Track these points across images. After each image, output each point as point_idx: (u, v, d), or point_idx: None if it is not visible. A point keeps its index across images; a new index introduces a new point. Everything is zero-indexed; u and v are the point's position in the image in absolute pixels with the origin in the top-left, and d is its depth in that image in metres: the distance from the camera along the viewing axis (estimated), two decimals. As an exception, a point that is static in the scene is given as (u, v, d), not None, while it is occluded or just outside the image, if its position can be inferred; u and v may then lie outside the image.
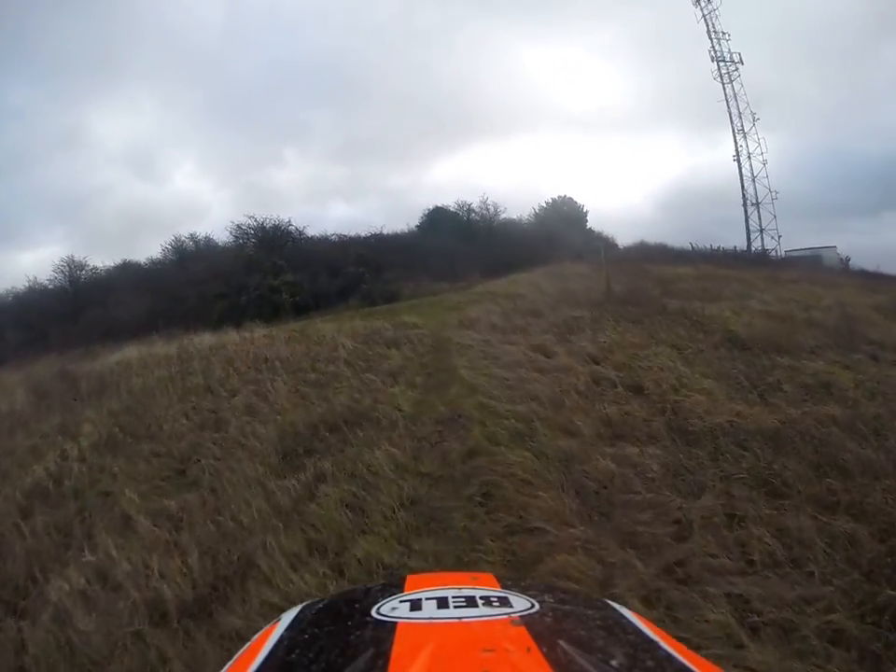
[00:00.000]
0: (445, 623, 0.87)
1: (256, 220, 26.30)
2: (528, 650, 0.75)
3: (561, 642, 0.79)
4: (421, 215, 28.84)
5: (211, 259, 24.85)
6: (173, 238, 28.96)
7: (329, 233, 28.79)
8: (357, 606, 0.98)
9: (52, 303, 23.89)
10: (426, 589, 1.02)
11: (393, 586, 1.06)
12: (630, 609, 0.97)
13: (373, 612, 0.93)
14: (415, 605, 0.94)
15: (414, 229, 27.81)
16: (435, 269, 21.82)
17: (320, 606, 1.06)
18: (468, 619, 0.87)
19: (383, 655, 0.75)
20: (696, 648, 1.60)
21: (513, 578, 1.18)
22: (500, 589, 1.01)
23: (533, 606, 0.92)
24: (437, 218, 28.71)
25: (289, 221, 26.71)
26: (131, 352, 12.39)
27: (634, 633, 0.88)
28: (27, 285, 24.71)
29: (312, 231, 27.81)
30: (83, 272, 25.75)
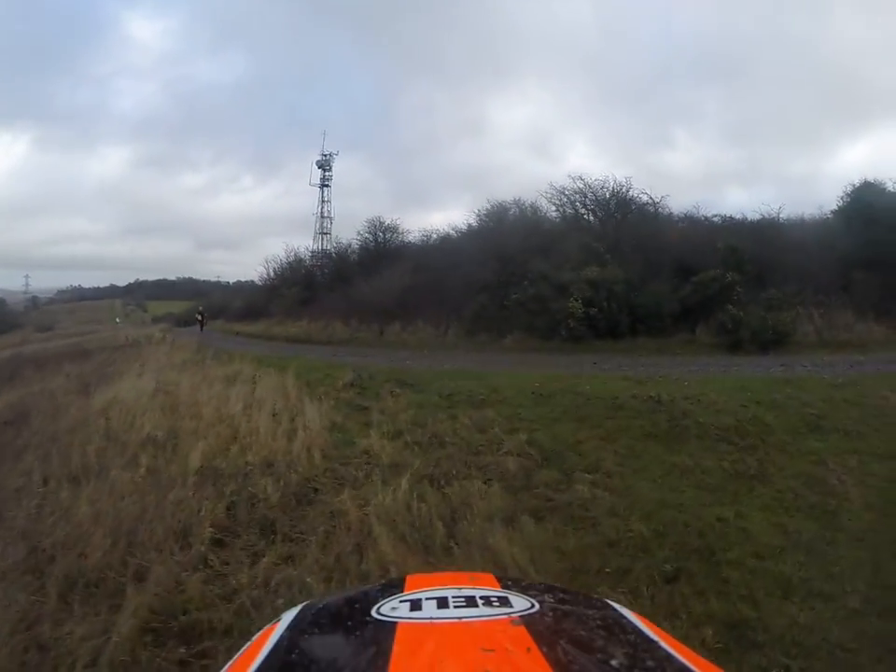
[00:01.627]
0: (445, 622, 0.89)
1: (585, 183, 21.15)
2: (528, 650, 0.78)
3: (561, 642, 0.82)
4: (840, 197, 19.94)
5: (517, 231, 20.74)
6: (491, 202, 24.35)
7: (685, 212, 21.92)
8: (357, 606, 1.02)
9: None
10: (426, 589, 1.05)
11: (393, 586, 1.10)
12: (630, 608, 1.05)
13: (373, 612, 0.95)
14: (415, 605, 0.97)
15: (828, 215, 20.15)
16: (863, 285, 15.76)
17: (320, 606, 1.10)
18: (468, 619, 0.89)
19: (383, 655, 0.78)
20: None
21: (513, 578, 1.27)
22: (500, 589, 1.05)
23: (533, 606, 0.96)
24: (866, 199, 18.85)
25: (636, 190, 20.93)
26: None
27: (634, 633, 0.91)
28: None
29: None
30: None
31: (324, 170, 43.67)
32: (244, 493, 5.24)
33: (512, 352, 15.84)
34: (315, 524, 4.71)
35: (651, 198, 20.88)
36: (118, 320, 64.47)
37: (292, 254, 35.17)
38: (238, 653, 0.94)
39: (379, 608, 0.96)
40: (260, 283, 37.76)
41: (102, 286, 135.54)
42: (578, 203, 21.68)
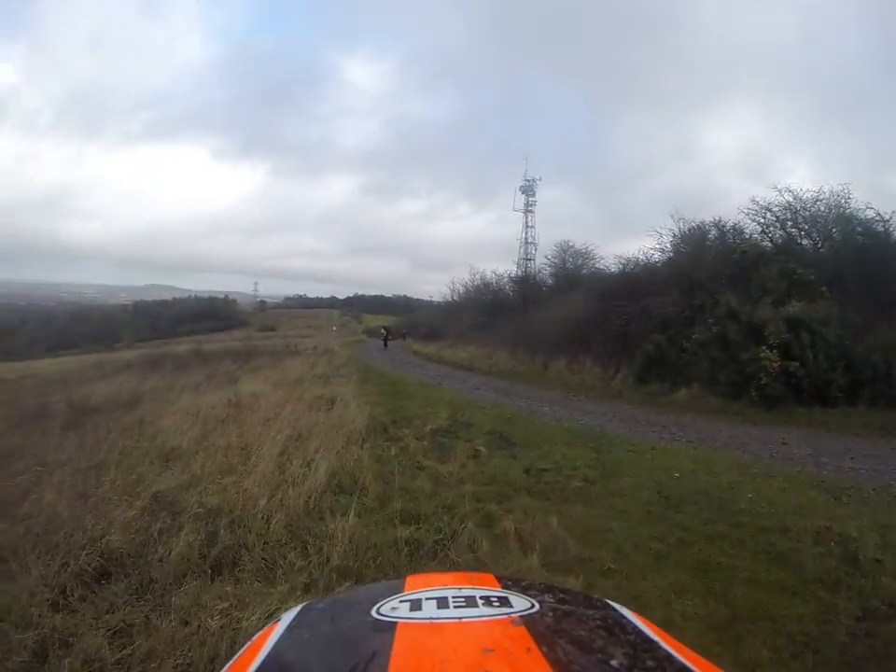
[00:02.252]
0: (445, 622, 0.89)
1: (795, 196, 17.14)
2: (528, 650, 0.79)
3: (561, 642, 0.83)
4: None
5: (711, 257, 17.61)
6: (688, 224, 20.45)
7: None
8: (356, 606, 1.03)
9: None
10: (426, 589, 1.06)
11: (393, 586, 1.10)
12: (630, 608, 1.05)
13: (373, 612, 0.96)
14: (415, 605, 0.98)
15: None
16: None
17: (320, 606, 1.12)
18: (468, 619, 0.90)
19: (383, 655, 0.78)
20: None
21: (513, 578, 1.20)
22: (500, 589, 1.06)
23: (533, 606, 0.96)
24: None
25: (858, 203, 16.42)
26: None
27: (634, 633, 0.92)
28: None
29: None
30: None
31: (527, 195, 44.57)
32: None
33: (683, 411, 12.91)
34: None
35: (878, 214, 15.77)
36: (334, 328, 71.92)
37: (477, 276, 35.22)
38: (238, 653, 0.95)
39: (379, 607, 0.96)
40: (444, 304, 38.46)
41: (324, 296, 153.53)
42: (788, 222, 17.52)
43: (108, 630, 3.26)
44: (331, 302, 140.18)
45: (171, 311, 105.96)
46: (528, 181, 43.61)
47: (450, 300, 38.25)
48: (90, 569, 3.94)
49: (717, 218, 19.58)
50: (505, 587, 1.05)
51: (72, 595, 3.62)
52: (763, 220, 18.29)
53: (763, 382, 12.49)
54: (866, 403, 12.01)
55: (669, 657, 0.81)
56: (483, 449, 8.17)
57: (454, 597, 0.97)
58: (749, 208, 18.31)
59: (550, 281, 29.47)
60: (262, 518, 4.98)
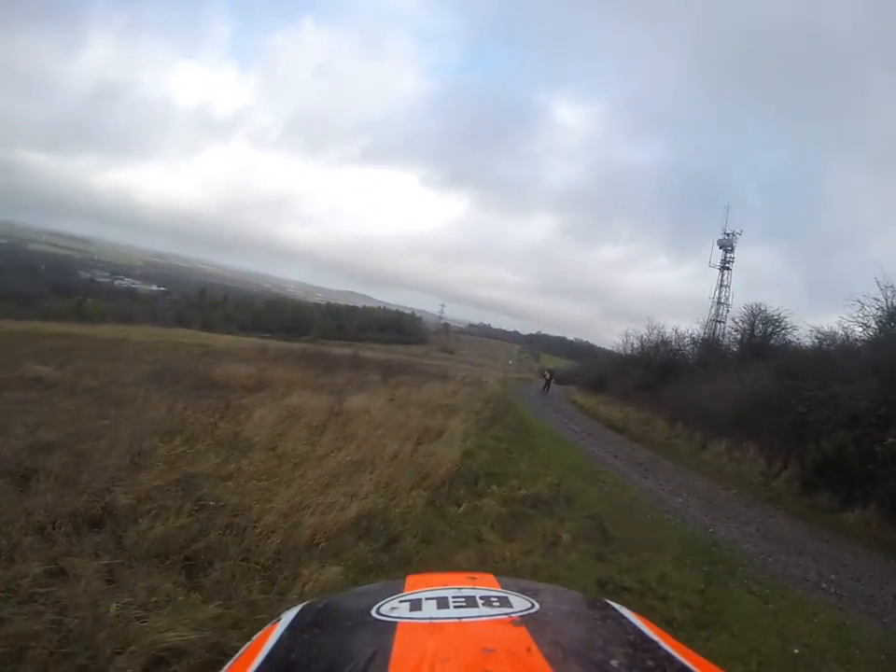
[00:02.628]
0: (445, 623, 0.91)
1: None
2: (528, 650, 0.79)
3: (561, 642, 0.83)
4: None
5: None
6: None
7: None
8: (357, 606, 1.03)
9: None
10: (426, 589, 1.08)
11: (393, 586, 1.12)
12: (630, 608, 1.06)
13: (373, 612, 0.97)
14: (415, 605, 0.99)
15: None
16: None
17: (320, 606, 1.12)
18: (468, 619, 0.92)
19: (383, 655, 0.80)
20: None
21: (513, 578, 1.21)
22: (500, 589, 1.07)
23: (533, 606, 0.97)
24: None
25: None
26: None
27: (634, 633, 0.93)
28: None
29: None
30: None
31: (725, 250, 41.36)
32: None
33: (848, 539, 10.06)
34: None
35: None
36: (510, 361, 73.00)
37: (655, 332, 32.31)
38: (238, 653, 0.95)
39: (379, 607, 0.98)
40: (615, 356, 36.19)
41: (507, 329, 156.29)
42: None
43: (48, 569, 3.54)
44: (514, 336, 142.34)
45: (359, 317, 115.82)
46: (727, 235, 40.16)
47: (622, 352, 35.75)
48: (85, 515, 4.31)
49: None
50: (505, 587, 1.08)
51: (59, 528, 4.03)
52: None
53: None
54: None
55: (669, 657, 0.84)
56: (567, 536, 6.77)
57: (454, 597, 0.99)
58: None
59: (734, 349, 26.25)
60: (260, 533, 4.79)
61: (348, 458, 7.49)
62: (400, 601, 0.99)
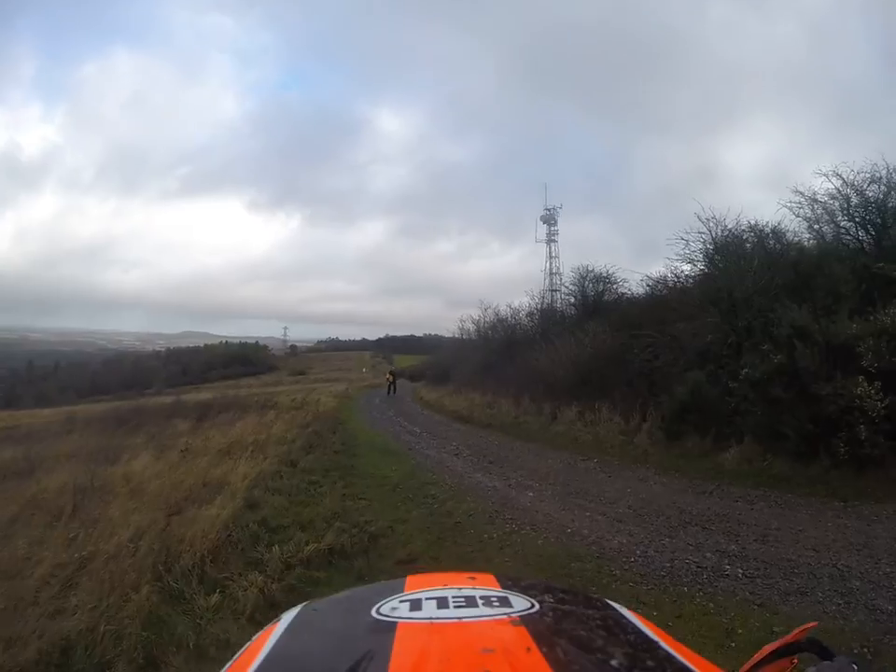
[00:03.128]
0: (445, 622, 0.89)
1: (844, 181, 13.06)
2: (528, 650, 0.79)
3: (561, 642, 0.83)
4: None
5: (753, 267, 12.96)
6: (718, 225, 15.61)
7: None
8: (356, 606, 1.04)
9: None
10: (426, 589, 1.06)
11: (393, 586, 1.11)
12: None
13: (373, 612, 0.96)
14: (415, 605, 0.98)
15: None
16: None
17: (320, 606, 1.12)
18: (468, 619, 0.90)
19: (383, 655, 0.79)
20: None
21: (513, 578, 1.19)
22: (500, 589, 1.06)
23: (533, 606, 0.96)
24: None
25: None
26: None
27: (634, 633, 0.93)
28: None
29: None
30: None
31: (549, 225, 43.17)
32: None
33: (733, 483, 8.82)
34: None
35: None
36: (364, 370, 70.82)
37: (489, 312, 30.84)
38: (238, 653, 0.95)
39: (379, 607, 0.96)
40: (454, 344, 34.62)
41: (356, 338, 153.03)
42: (839, 213, 13.16)
43: None
44: (363, 344, 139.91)
45: (202, 357, 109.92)
46: (549, 210, 42.29)
47: (461, 338, 33.92)
48: None
49: (753, 221, 15.67)
50: (505, 587, 1.06)
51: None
52: (809, 215, 14.04)
53: (860, 432, 8.28)
54: None
55: (669, 657, 0.83)
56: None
57: (454, 597, 0.97)
58: (791, 201, 14.20)
59: (570, 313, 25.12)
60: None
61: (76, 556, 5.27)
62: (400, 601, 0.99)
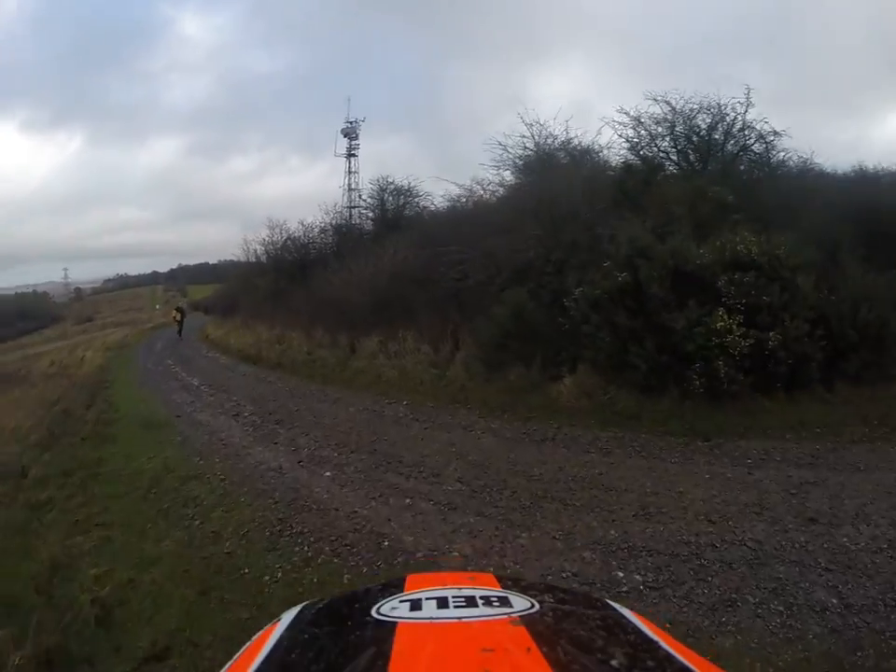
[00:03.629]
0: (445, 622, 0.88)
1: (673, 108, 12.71)
2: (528, 650, 0.78)
3: (561, 642, 0.81)
4: None
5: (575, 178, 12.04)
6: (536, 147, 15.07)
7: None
8: (356, 606, 1.01)
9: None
10: (426, 589, 1.05)
11: (393, 586, 1.09)
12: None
13: (373, 612, 0.95)
14: (415, 605, 0.96)
15: None
16: None
17: (320, 606, 1.11)
18: (468, 619, 0.88)
19: (383, 655, 0.77)
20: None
21: (513, 578, 1.18)
22: (500, 589, 1.05)
23: (533, 606, 0.94)
24: None
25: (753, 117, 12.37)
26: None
27: (634, 633, 0.91)
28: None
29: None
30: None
31: (350, 138, 39.55)
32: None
33: (574, 420, 7.55)
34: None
35: (774, 131, 12.20)
36: (157, 307, 63.12)
37: (278, 231, 26.25)
38: (238, 653, 0.94)
39: (379, 607, 0.96)
40: (239, 270, 30.50)
41: (146, 272, 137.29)
42: (664, 138, 13.01)
43: None
44: (154, 278, 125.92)
45: None
46: (350, 123, 38.77)
47: (248, 262, 29.08)
48: None
49: (566, 138, 14.64)
50: (505, 587, 1.06)
51: None
52: (634, 137, 13.36)
53: (719, 368, 7.25)
54: (849, 382, 7.74)
55: (669, 657, 0.82)
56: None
57: (454, 597, 0.96)
58: (615, 121, 13.36)
59: (368, 229, 22.67)
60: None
61: None
62: (400, 601, 0.97)
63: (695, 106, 12.57)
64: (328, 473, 6.75)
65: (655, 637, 0.86)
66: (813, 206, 10.16)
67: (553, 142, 14.07)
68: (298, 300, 18.11)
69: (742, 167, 12.71)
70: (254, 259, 28.58)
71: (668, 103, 12.61)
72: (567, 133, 13.77)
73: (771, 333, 7.52)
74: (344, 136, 39.81)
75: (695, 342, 7.57)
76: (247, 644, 0.95)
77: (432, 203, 20.85)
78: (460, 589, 0.99)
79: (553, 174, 12.90)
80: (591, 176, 12.38)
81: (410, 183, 21.49)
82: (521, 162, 14.58)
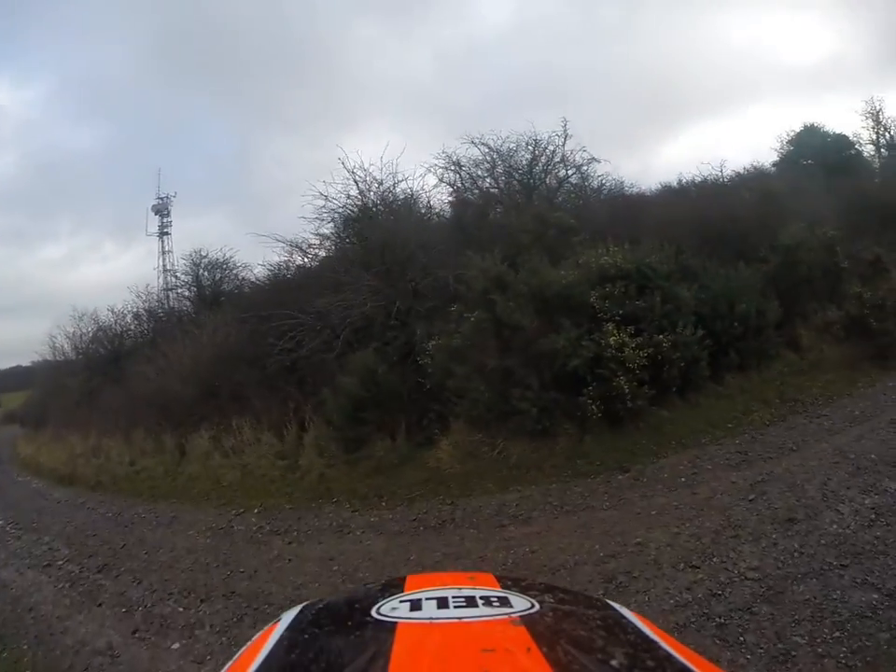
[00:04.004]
0: (445, 623, 0.87)
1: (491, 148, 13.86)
2: (528, 650, 0.77)
3: (561, 642, 0.80)
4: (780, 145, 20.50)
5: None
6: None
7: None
8: (357, 606, 1.01)
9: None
10: (426, 589, 1.04)
11: (393, 586, 1.09)
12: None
13: (373, 612, 0.94)
14: (415, 605, 0.96)
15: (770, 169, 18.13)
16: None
17: (320, 606, 1.10)
18: (468, 619, 0.88)
19: (383, 655, 0.76)
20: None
21: (513, 578, 1.21)
22: (500, 589, 1.04)
23: (533, 606, 0.94)
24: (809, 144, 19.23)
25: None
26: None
27: (634, 633, 0.90)
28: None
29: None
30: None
31: (161, 216, 37.19)
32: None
33: (463, 488, 6.56)
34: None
35: (592, 158, 13.80)
36: None
37: (85, 322, 22.56)
38: (238, 653, 0.94)
39: (379, 608, 0.95)
40: (47, 371, 26.32)
41: None
42: (483, 179, 13.77)
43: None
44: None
45: None
46: (161, 199, 36.03)
47: (57, 361, 25.00)
48: None
49: (391, 184, 14.09)
50: (505, 587, 1.05)
51: None
52: (455, 181, 14.02)
53: (622, 386, 6.70)
54: (736, 372, 8.15)
55: (669, 657, 0.81)
56: None
57: (454, 597, 0.95)
58: (436, 165, 13.77)
59: (187, 309, 19.78)
60: None
61: None
62: (400, 601, 0.96)
63: (513, 145, 13.43)
64: (176, 645, 4.84)
65: (655, 637, 0.87)
66: (647, 220, 10.47)
67: (379, 187, 13.36)
68: (114, 399, 15.03)
69: (561, 198, 13.53)
70: (62, 357, 24.86)
71: (486, 144, 12.66)
72: (393, 178, 13.26)
73: (661, 336, 7.20)
74: (156, 213, 37.10)
75: (582, 355, 6.92)
76: (247, 644, 0.95)
77: (252, 274, 18.25)
78: (460, 589, 0.99)
79: (382, 221, 11.83)
80: (421, 220, 11.81)
81: (225, 255, 19.39)
82: (345, 212, 13.69)
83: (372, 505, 6.91)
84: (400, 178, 12.12)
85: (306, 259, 14.23)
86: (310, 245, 13.57)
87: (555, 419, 6.97)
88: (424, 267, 9.41)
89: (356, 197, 12.10)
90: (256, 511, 7.64)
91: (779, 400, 7.62)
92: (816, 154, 18.15)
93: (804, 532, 4.48)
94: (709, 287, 8.51)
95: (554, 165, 13.64)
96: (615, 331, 7.06)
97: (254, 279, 18.11)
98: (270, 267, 15.78)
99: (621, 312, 7.39)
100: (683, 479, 5.98)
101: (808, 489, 5.08)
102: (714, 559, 4.38)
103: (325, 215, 12.36)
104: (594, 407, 6.80)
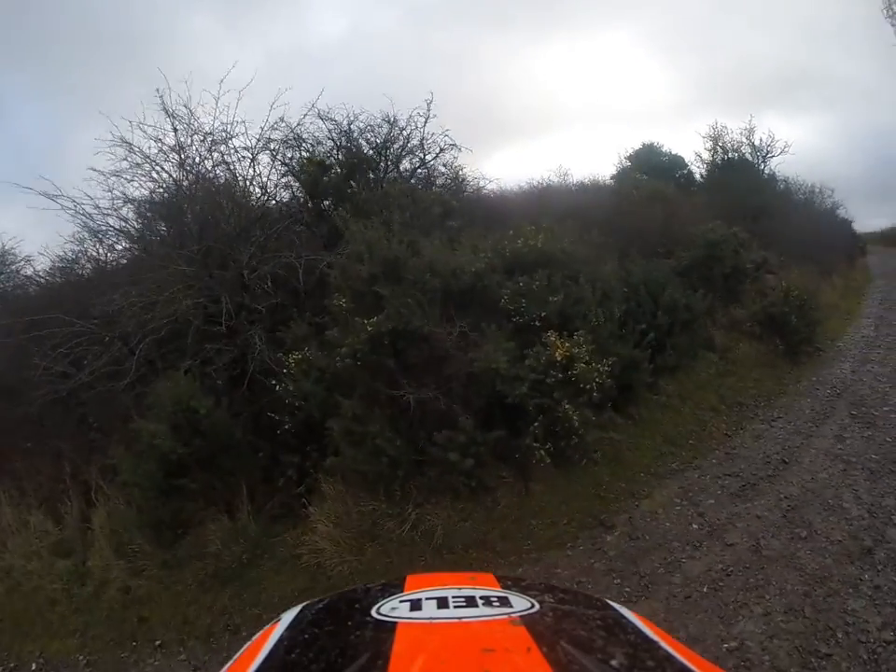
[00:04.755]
0: (445, 622, 0.85)
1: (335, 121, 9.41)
2: (528, 650, 0.75)
3: (561, 642, 0.78)
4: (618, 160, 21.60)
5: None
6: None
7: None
8: (357, 606, 0.97)
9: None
10: (426, 589, 1.01)
11: (393, 586, 1.05)
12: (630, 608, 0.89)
13: (373, 612, 0.91)
14: (415, 605, 0.93)
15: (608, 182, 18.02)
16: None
17: (320, 606, 1.06)
18: (468, 619, 0.86)
19: (383, 655, 0.74)
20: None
21: (513, 578, 1.18)
22: (500, 589, 1.00)
23: (533, 606, 0.91)
24: (646, 161, 20.11)
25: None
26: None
27: (634, 633, 0.88)
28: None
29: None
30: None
31: None
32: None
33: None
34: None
35: (454, 144, 11.09)
36: None
37: None
38: (238, 653, 0.90)
39: (379, 607, 0.92)
40: None
41: None
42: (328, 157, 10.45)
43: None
44: None
45: None
46: None
47: None
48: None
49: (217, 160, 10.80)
50: (505, 587, 1.01)
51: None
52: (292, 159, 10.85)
53: (571, 416, 4.63)
54: (668, 375, 7.03)
55: (669, 657, 0.78)
56: None
57: (454, 597, 0.93)
58: (269, 138, 10.47)
59: None
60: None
61: None
62: (400, 601, 0.94)
63: (364, 124, 10.24)
64: None
65: (655, 637, 0.85)
66: (525, 214, 8.76)
67: (205, 141, 10.05)
68: None
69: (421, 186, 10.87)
70: None
71: (333, 119, 9.86)
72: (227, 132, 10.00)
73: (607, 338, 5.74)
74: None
75: (528, 378, 4.77)
76: (247, 644, 0.92)
77: (35, 274, 14.43)
78: (460, 589, 0.97)
79: (203, 184, 8.55)
80: (241, 204, 8.49)
81: (4, 246, 14.77)
82: (154, 165, 10.11)
83: (218, 639, 4.02)
84: (237, 132, 8.93)
85: (100, 251, 10.50)
86: (109, 228, 9.91)
87: (487, 467, 4.64)
88: (261, 247, 6.41)
89: (172, 146, 8.74)
90: (34, 669, 4.22)
91: (724, 406, 6.87)
92: (651, 170, 18.70)
93: (885, 562, 3.60)
94: (631, 273, 7.32)
95: (412, 148, 10.96)
96: (560, 342, 5.00)
97: (41, 280, 14.06)
98: (58, 259, 11.96)
99: (543, 314, 5.37)
100: (696, 526, 4.48)
101: (848, 507, 4.38)
102: (839, 635, 3.07)
103: (128, 170, 8.80)
104: (542, 452, 4.58)
